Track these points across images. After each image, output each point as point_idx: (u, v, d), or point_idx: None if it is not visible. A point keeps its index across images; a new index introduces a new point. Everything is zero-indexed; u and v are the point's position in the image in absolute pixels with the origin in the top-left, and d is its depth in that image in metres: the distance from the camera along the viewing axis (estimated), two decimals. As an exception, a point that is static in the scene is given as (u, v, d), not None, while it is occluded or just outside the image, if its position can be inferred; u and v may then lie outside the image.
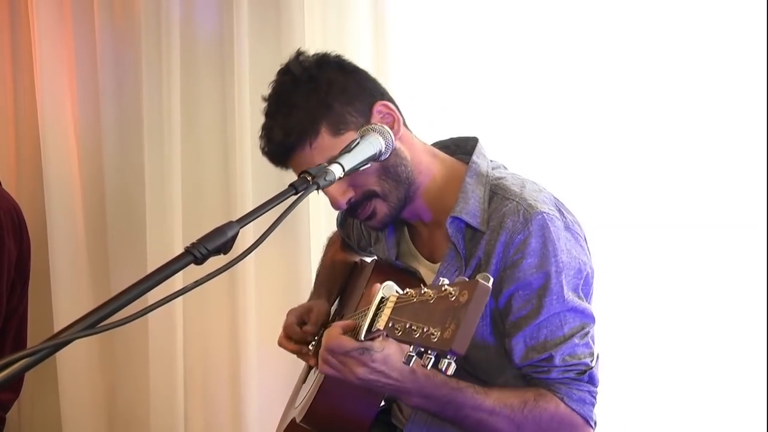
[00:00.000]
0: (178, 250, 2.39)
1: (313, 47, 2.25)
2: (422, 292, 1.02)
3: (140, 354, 2.58)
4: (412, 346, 0.98)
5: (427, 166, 1.44)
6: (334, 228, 1.99)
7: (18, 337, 1.98)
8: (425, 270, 1.51)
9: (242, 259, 0.98)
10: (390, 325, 1.05)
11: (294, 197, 1.11)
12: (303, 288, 2.32)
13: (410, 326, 0.99)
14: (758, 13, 1.87)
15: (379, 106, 1.41)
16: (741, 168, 1.93)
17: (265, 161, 2.35)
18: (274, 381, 2.43)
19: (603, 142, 2.02)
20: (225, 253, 1.01)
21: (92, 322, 0.87)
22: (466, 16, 2.10)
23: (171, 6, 2.42)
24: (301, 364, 1.78)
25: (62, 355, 2.51)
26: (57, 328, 2.54)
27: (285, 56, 2.29)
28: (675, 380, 1.97)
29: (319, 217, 2.31)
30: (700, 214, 1.96)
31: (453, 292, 0.96)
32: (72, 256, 2.64)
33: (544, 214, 1.32)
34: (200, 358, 2.57)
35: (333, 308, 1.76)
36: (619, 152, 2.01)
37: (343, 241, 1.88)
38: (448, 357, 0.94)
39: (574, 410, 1.33)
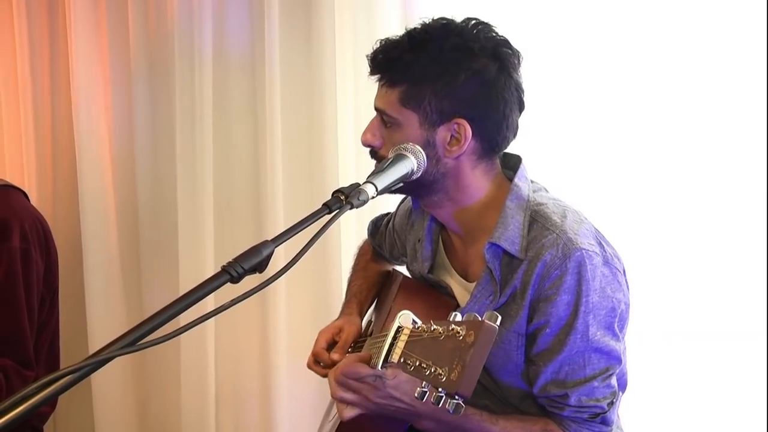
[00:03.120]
0: (210, 264, 2.46)
1: (342, 51, 2.31)
2: (432, 328, 1.03)
3: (172, 369, 2.61)
4: (423, 383, 1.00)
5: (475, 189, 1.40)
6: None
7: (51, 351, 2.00)
8: (457, 286, 1.51)
9: (278, 278, 1.00)
10: (402, 360, 1.07)
11: (328, 216, 1.14)
12: (334, 304, 2.33)
13: (420, 364, 1.01)
14: (758, 13, 1.88)
15: (455, 123, 1.34)
16: (741, 169, 1.93)
17: (296, 173, 2.41)
18: (304, 396, 2.44)
19: (601, 143, 2.03)
20: (260, 272, 1.03)
21: (132, 340, 0.89)
22: (496, 19, 2.11)
23: (203, 17, 2.46)
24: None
25: (96, 368, 2.54)
26: (91, 339, 2.61)
27: (315, 63, 2.35)
28: (674, 381, 1.98)
29: (349, 234, 2.32)
30: (700, 216, 1.97)
31: (460, 332, 0.98)
32: (105, 270, 2.67)
33: (584, 251, 1.30)
34: (231, 373, 2.59)
35: (366, 318, 1.77)
36: (617, 153, 2.03)
37: (374, 250, 1.87)
38: (456, 398, 0.96)
39: None
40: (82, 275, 2.66)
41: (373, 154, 1.43)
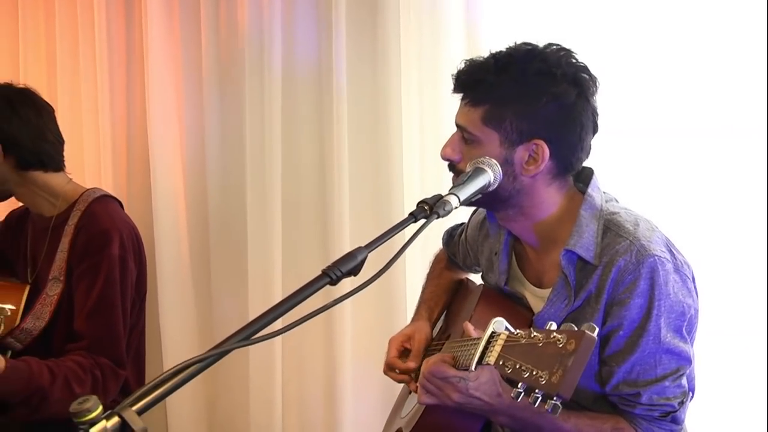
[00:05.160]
0: (278, 270, 2.54)
1: (407, 63, 2.39)
2: (532, 335, 1.11)
3: (240, 370, 2.69)
4: (520, 384, 1.08)
5: (548, 204, 1.48)
6: (429, 251, 2.08)
7: (138, 351, 2.12)
8: (531, 296, 1.58)
9: (371, 282, 1.09)
10: (500, 362, 1.14)
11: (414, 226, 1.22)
12: (398, 308, 2.42)
13: (519, 366, 1.09)
14: (758, 13, 1.92)
15: (534, 144, 1.41)
16: (741, 168, 1.97)
17: (361, 182, 2.48)
18: (368, 398, 2.52)
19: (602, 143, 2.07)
20: (355, 275, 1.13)
21: (247, 335, 0.99)
22: (561, 18, 2.15)
23: (273, 30, 2.54)
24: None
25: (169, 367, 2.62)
26: (164, 340, 2.71)
27: (381, 74, 2.43)
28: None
29: (414, 242, 2.38)
30: (700, 216, 2.01)
31: (561, 340, 1.06)
32: (177, 275, 2.76)
33: (656, 257, 1.38)
34: (297, 375, 2.66)
35: (439, 325, 1.84)
36: (618, 153, 2.06)
37: (449, 259, 1.95)
38: (555, 399, 1.04)
39: None
40: (156, 280, 2.76)
41: (452, 167, 1.51)
